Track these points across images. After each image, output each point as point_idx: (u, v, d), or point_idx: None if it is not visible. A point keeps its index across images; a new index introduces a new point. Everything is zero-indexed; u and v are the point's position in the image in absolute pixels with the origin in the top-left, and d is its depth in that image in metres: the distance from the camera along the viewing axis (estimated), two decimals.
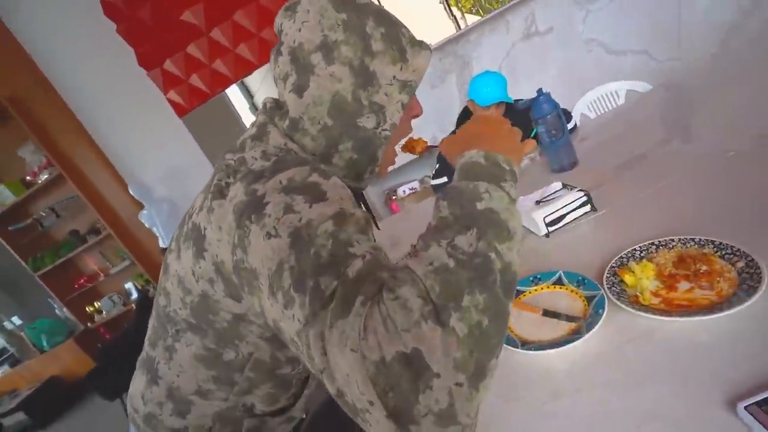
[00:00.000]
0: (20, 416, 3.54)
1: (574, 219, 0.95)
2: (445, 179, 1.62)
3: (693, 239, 0.68)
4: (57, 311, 3.85)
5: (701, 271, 0.63)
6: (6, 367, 3.89)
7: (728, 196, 0.79)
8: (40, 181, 3.28)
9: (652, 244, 0.72)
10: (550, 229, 0.95)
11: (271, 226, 0.41)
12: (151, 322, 0.66)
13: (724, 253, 0.63)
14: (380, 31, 0.52)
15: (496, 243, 0.36)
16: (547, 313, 0.71)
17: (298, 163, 0.48)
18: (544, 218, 0.94)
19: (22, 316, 4.12)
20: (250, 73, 2.62)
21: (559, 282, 0.77)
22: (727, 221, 0.72)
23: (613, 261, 0.73)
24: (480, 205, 0.39)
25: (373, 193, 3.20)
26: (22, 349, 3.89)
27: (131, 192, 3.15)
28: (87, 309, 3.74)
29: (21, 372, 3.86)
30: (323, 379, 0.35)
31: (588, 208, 0.95)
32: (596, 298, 0.67)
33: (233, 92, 4.29)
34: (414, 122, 0.68)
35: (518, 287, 0.79)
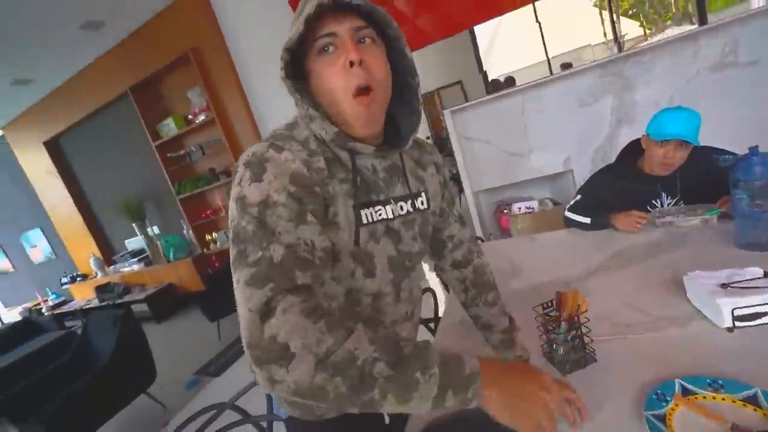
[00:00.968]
0: (144, 307, 4.31)
1: None
2: (588, 221, 1.46)
3: None
4: (184, 231, 4.54)
5: None
6: (142, 265, 4.74)
7: None
8: (197, 121, 3.82)
9: None
10: (738, 324, 0.78)
11: (234, 190, 0.56)
12: None
13: None
14: (301, 1, 0.58)
15: (392, 395, 0.47)
16: (736, 429, 0.58)
17: (272, 138, 0.59)
18: (732, 310, 0.78)
19: (160, 228, 4.95)
20: (423, 46, 2.58)
21: (753, 401, 0.62)
22: None
23: None
24: (420, 377, 0.48)
25: (484, 201, 3.08)
26: (155, 254, 4.69)
27: None
28: (206, 237, 4.33)
29: (150, 272, 4.68)
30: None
31: None
32: None
33: None
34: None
35: (690, 385, 0.67)
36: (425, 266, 2.06)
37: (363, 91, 0.57)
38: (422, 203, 0.73)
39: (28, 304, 6.32)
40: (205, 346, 3.38)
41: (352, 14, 0.58)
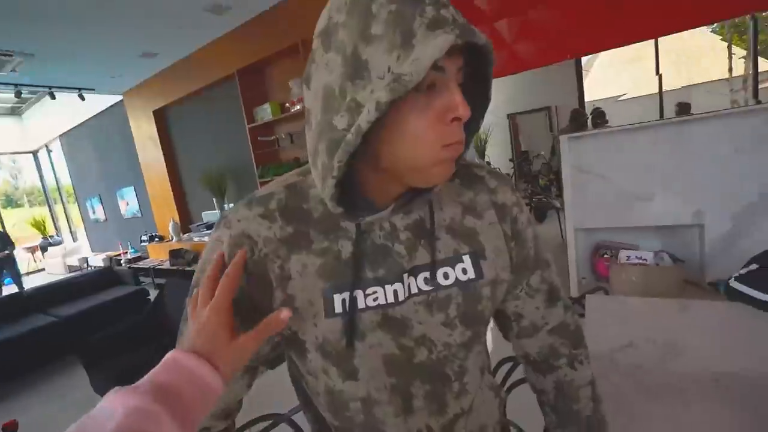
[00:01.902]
0: None
1: None
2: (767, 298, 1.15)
3: None
4: None
5: None
6: None
7: None
8: (293, 110, 3.89)
9: None
10: None
11: None
12: None
13: None
14: (389, 8, 0.38)
15: None
16: None
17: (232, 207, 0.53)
18: None
19: None
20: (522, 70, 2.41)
21: None
22: None
23: None
24: None
25: (581, 239, 2.74)
26: None
27: None
28: None
29: None
30: None
31: None
32: None
33: None
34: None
35: None
36: None
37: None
38: (465, 271, 0.50)
39: (111, 253, 6.94)
40: None
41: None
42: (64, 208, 9.23)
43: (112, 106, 6.31)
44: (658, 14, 2.09)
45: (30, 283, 6.74)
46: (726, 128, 2.18)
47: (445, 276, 0.50)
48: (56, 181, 8.93)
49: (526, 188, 5.51)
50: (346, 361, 0.49)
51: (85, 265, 7.47)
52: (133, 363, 2.18)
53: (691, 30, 2.14)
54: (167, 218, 5.73)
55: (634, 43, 2.18)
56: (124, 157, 6.47)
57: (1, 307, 3.45)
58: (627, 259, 2.38)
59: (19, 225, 9.88)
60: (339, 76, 0.40)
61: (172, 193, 5.72)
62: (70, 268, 7.81)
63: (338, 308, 0.47)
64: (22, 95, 5.46)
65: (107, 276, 4.28)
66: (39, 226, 9.11)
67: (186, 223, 5.77)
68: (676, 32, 2.21)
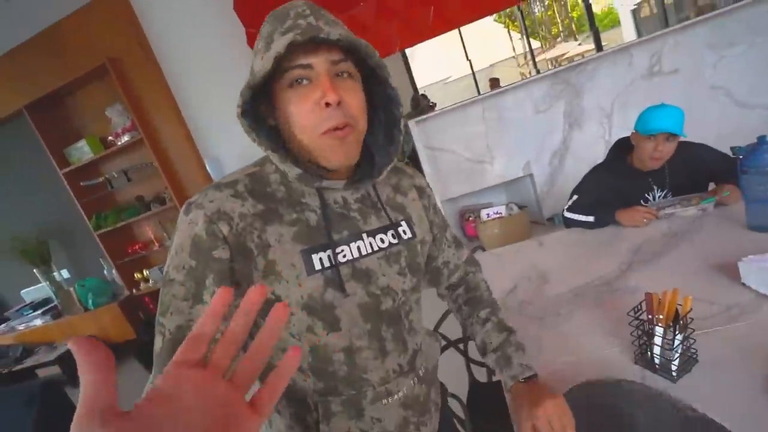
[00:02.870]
0: (55, 370, 3.52)
1: None
2: (592, 219, 1.48)
3: None
4: (105, 272, 3.85)
5: None
6: (48, 318, 3.90)
7: None
8: (120, 143, 3.30)
9: None
10: None
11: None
12: None
13: None
14: (268, 29, 0.54)
15: None
16: None
17: (195, 195, 0.56)
18: None
19: (72, 272, 4.15)
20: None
21: None
22: None
23: None
24: None
25: (447, 208, 3.08)
26: (67, 303, 3.90)
27: (207, 167, 3.12)
28: (135, 275, 3.72)
29: (61, 326, 3.86)
30: None
31: None
32: None
33: None
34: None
35: None
36: None
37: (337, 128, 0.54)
38: (404, 232, 0.65)
39: None
40: None
41: (328, 45, 0.52)
42: None
43: None
44: (457, 10, 2.47)
45: None
46: (526, 95, 2.71)
47: (393, 236, 0.63)
48: None
49: None
50: (330, 312, 0.57)
51: None
52: None
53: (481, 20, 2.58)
54: None
55: (446, 32, 2.50)
56: None
57: None
58: (487, 216, 2.77)
59: None
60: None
61: None
62: None
63: (317, 266, 0.55)
64: None
65: None
66: None
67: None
68: (471, 22, 2.64)
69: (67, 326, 3.85)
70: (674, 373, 0.74)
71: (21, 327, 3.96)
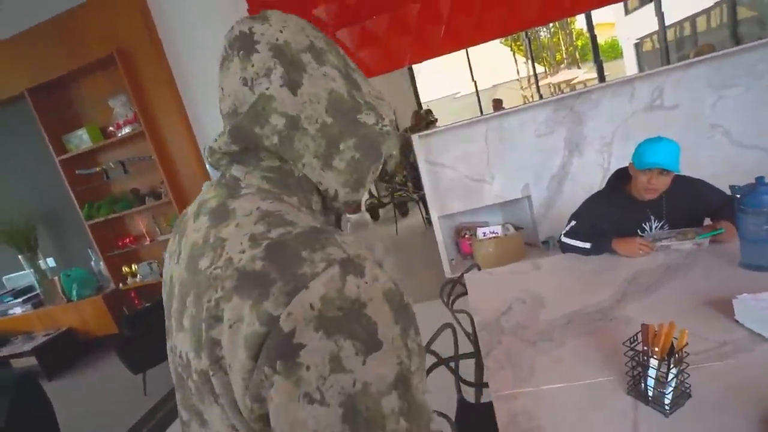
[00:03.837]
0: (31, 361, 3.42)
1: None
2: (588, 246, 1.49)
3: None
4: (93, 263, 3.78)
5: None
6: (29, 307, 3.81)
7: None
8: (120, 134, 3.28)
9: None
10: None
11: (312, 386, 0.32)
12: None
13: None
14: (353, 66, 0.52)
15: None
16: None
17: (304, 240, 0.37)
18: None
19: (58, 261, 4.07)
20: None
21: None
22: None
23: None
24: None
25: (444, 224, 3.08)
26: (50, 293, 3.81)
27: (207, 167, 3.11)
28: (123, 269, 3.66)
29: (41, 316, 3.78)
30: None
31: None
32: None
33: None
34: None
35: None
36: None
37: None
38: None
39: None
40: (125, 403, 2.77)
41: None
42: None
43: None
44: (467, 31, 2.52)
45: None
46: (530, 118, 2.75)
47: None
48: None
49: (387, 187, 5.88)
50: None
51: None
52: None
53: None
54: None
55: (456, 51, 2.55)
56: None
57: None
58: (484, 235, 2.78)
59: None
60: (343, 85, 0.47)
61: None
62: None
63: None
64: None
65: None
66: None
67: None
68: (480, 44, 2.69)
69: (47, 316, 3.76)
70: (667, 407, 0.74)
71: (10, 312, 3.86)
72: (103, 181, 3.53)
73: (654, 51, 11.70)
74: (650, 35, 11.42)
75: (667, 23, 9.44)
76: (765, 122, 2.47)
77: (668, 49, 9.04)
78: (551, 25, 15.42)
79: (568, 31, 16.96)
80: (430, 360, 1.20)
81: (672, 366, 0.73)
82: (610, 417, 0.77)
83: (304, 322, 0.32)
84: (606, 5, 2.58)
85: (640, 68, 11.54)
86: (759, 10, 8.36)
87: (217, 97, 0.52)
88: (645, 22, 11.12)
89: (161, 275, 3.74)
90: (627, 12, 12.98)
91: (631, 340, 0.80)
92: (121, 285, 3.64)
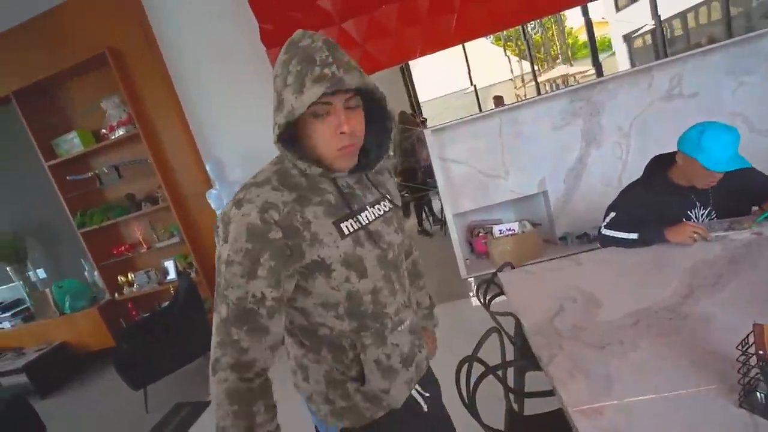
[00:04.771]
0: (22, 379, 3.23)
1: None
2: (636, 236, 1.37)
3: None
4: (86, 273, 3.60)
5: None
6: (18, 321, 3.61)
7: None
8: (113, 137, 3.12)
9: None
10: None
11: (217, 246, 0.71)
12: None
13: None
14: (297, 68, 0.66)
15: None
16: None
17: (239, 190, 0.70)
18: None
19: (49, 272, 3.88)
20: (373, 72, 2.46)
21: None
22: None
23: None
24: None
25: (457, 223, 2.96)
26: (41, 306, 3.62)
27: (208, 168, 2.96)
28: (119, 279, 3.49)
29: (32, 330, 3.58)
30: None
31: None
32: None
33: None
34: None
35: None
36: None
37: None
38: (390, 202, 0.86)
39: None
40: (125, 422, 2.60)
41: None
42: None
43: None
44: (480, 19, 2.42)
45: None
46: (545, 110, 2.65)
47: (384, 205, 0.83)
48: None
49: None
50: (360, 264, 0.74)
51: None
52: None
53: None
54: None
55: (467, 41, 2.44)
56: None
57: None
58: (500, 233, 2.67)
59: None
60: (274, 107, 0.71)
61: None
62: None
63: (346, 231, 0.73)
64: None
65: None
66: None
67: None
68: (492, 33, 2.59)
69: (38, 331, 3.57)
70: None
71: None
72: (96, 187, 3.36)
73: (645, 47, 11.79)
74: (638, 30, 11.51)
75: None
76: None
77: (666, 43, 9.10)
78: (545, 19, 15.48)
79: (561, 28, 17.06)
80: (478, 369, 1.08)
81: None
82: None
83: (218, 219, 0.70)
84: None
85: (632, 64, 11.62)
86: (743, 6, 8.48)
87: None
88: (637, 18, 11.21)
89: (159, 284, 3.56)
90: (618, 9, 13.11)
91: (743, 342, 0.68)
92: (116, 295, 3.47)
